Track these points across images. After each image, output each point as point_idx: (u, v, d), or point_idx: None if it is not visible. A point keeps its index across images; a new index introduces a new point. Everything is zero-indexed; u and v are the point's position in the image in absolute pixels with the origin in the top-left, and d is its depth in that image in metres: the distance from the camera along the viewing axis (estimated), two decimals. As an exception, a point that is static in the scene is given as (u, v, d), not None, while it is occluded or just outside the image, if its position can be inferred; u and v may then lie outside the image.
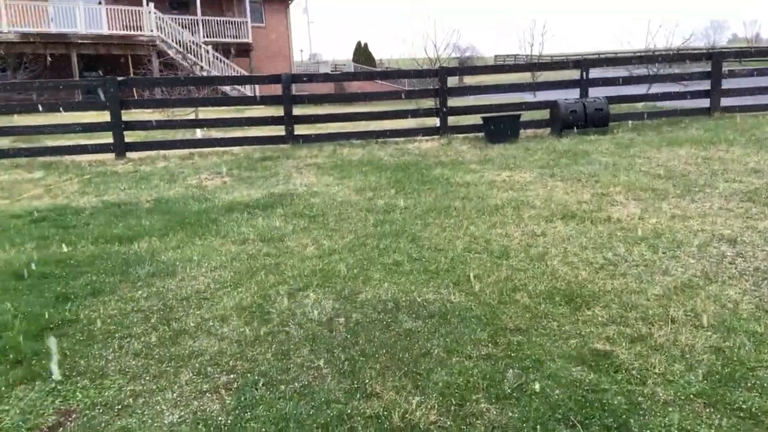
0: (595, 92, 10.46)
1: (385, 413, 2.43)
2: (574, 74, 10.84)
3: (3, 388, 2.70)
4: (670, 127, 9.78)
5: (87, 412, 2.53)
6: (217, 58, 24.12)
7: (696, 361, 2.77)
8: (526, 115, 10.19)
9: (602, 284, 3.65)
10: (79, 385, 2.74)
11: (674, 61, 14.70)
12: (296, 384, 2.68)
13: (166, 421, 2.46)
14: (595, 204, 5.47)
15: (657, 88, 12.62)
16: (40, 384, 2.74)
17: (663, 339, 2.97)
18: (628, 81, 11.75)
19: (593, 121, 9.65)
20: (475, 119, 10.04)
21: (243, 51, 26.41)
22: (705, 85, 10.87)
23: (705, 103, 10.76)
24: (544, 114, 10.49)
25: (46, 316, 3.43)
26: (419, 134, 10.32)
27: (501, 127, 9.47)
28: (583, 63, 10.60)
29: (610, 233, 4.61)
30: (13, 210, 6.24)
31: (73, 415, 2.52)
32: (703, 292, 3.49)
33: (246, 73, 25.08)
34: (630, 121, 10.43)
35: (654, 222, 4.86)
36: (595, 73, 10.70)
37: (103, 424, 2.45)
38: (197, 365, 2.88)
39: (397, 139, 10.22)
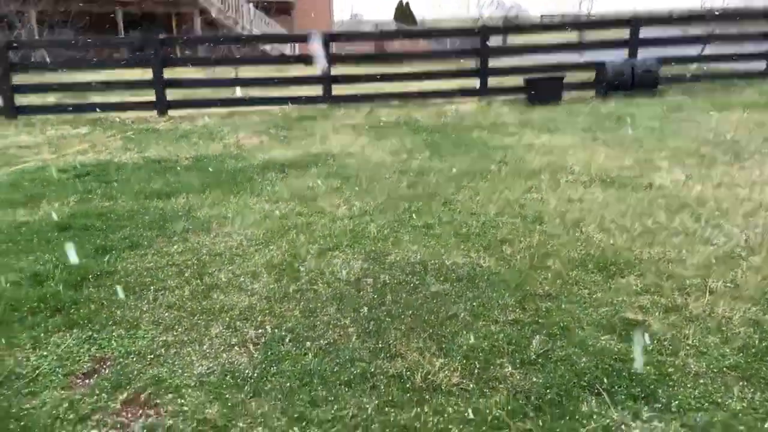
0: (645, 53, 10.01)
1: (408, 374, 2.44)
2: (623, 34, 10.37)
3: (42, 335, 2.83)
4: (723, 91, 9.32)
5: (121, 360, 2.63)
6: (257, 17, 24.03)
7: (732, 333, 2.68)
8: (570, 77, 9.86)
9: (639, 252, 3.54)
10: (114, 334, 2.84)
11: (731, 20, 13.89)
12: (322, 341, 2.72)
13: (195, 372, 2.53)
14: (637, 169, 5.29)
15: (711, 49, 11.98)
16: (77, 332, 2.85)
17: (699, 310, 2.88)
18: (680, 41, 11.18)
19: (641, 83, 9.27)
20: (517, 81, 9.77)
21: (284, 10, 26.24)
22: (763, 47, 10.27)
23: (762, 65, 10.19)
24: (590, 75, 10.12)
25: (86, 267, 3.55)
26: (458, 95, 10.12)
27: (543, 89, 9.19)
28: (633, 22, 10.13)
29: (651, 200, 4.46)
30: (60, 164, 6.43)
31: (108, 363, 2.62)
32: (745, 264, 3.35)
33: (286, 32, 24.94)
34: (681, 84, 9.97)
35: (699, 189, 4.67)
36: (646, 32, 10.20)
37: (135, 372, 2.54)
38: (227, 319, 2.94)
39: (435, 100, 10.05)
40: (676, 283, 3.16)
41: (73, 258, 3.66)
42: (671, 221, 4.02)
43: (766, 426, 2.11)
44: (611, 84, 9.25)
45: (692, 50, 11.23)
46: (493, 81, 10.17)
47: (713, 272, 3.26)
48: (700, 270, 3.30)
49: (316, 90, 10.01)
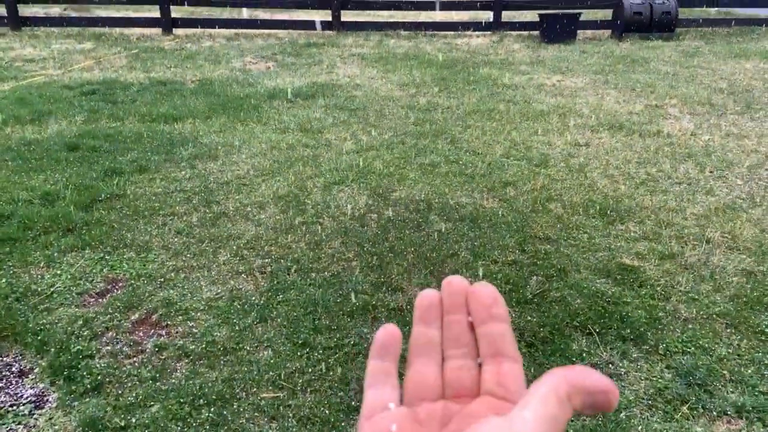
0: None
1: (408, 307, 2.54)
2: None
3: (55, 254, 2.91)
4: (742, 37, 9.08)
5: (132, 282, 2.73)
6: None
7: (725, 282, 2.76)
8: (587, 14, 9.57)
9: (640, 200, 3.59)
10: (125, 256, 2.93)
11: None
12: (326, 273, 2.81)
13: (204, 296, 2.63)
14: (646, 116, 5.25)
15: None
16: (89, 252, 2.94)
17: (694, 259, 2.96)
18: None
19: (659, 25, 9.01)
20: (532, 15, 9.50)
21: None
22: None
23: (787, 11, 9.87)
24: (607, 14, 9.83)
25: (96, 188, 3.60)
26: (470, 29, 9.86)
27: (558, 26, 8.94)
28: (656, -42, 9.71)
29: (658, 148, 4.46)
30: (65, 81, 6.37)
31: (120, 284, 2.72)
32: (745, 215, 3.40)
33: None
34: (699, 28, 9.70)
35: (706, 139, 4.66)
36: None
37: (146, 294, 2.64)
38: (234, 247, 3.02)
39: (446, 32, 9.80)
40: (674, 231, 3.22)
41: (83, 179, 3.71)
42: (675, 170, 4.04)
43: (749, 371, 2.22)
44: (628, 24, 8.99)
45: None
46: (507, 14, 9.88)
47: (712, 222, 3.31)
48: (700, 220, 3.35)
49: (325, 15, 9.74)
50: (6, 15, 9.07)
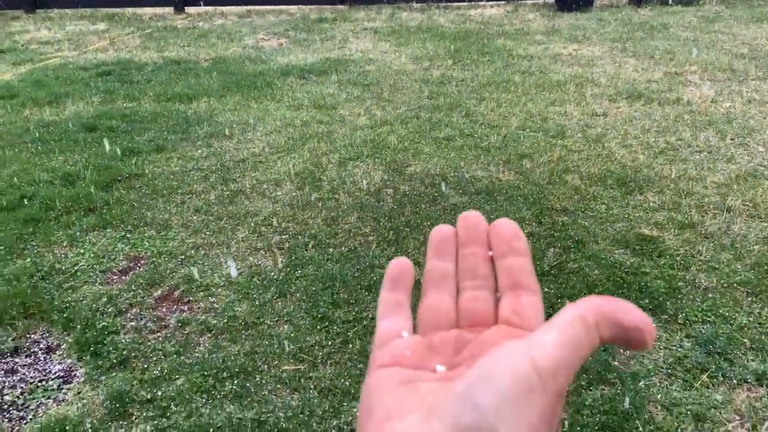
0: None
1: (426, 280, 2.55)
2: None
3: (78, 233, 2.97)
4: (764, 1, 8.82)
5: (153, 259, 2.77)
6: None
7: (746, 251, 2.73)
8: (603, -19, 9.33)
9: (659, 169, 3.54)
10: (146, 234, 2.97)
11: None
12: (343, 248, 2.83)
13: (224, 273, 2.67)
14: (665, 84, 5.15)
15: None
16: (110, 231, 2.99)
17: (715, 228, 2.92)
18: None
19: (678, -11, 8.76)
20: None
21: None
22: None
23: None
24: (625, -20, 9.57)
25: (115, 168, 3.65)
26: (484, -1, 9.67)
27: (574, -6, 8.74)
28: None
29: (677, 116, 4.38)
30: (80, 62, 6.40)
31: (142, 261, 2.77)
32: (767, 183, 3.35)
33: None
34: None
35: (727, 106, 4.57)
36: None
37: (168, 271, 2.68)
38: (252, 224, 3.05)
39: (460, 3, 9.63)
40: (694, 200, 3.18)
41: (102, 159, 3.75)
42: (695, 138, 3.98)
43: None
44: (647, -11, 8.76)
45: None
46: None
47: (733, 191, 3.27)
48: (721, 188, 3.31)
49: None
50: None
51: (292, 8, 9.64)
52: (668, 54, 6.07)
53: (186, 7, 9.46)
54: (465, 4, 9.61)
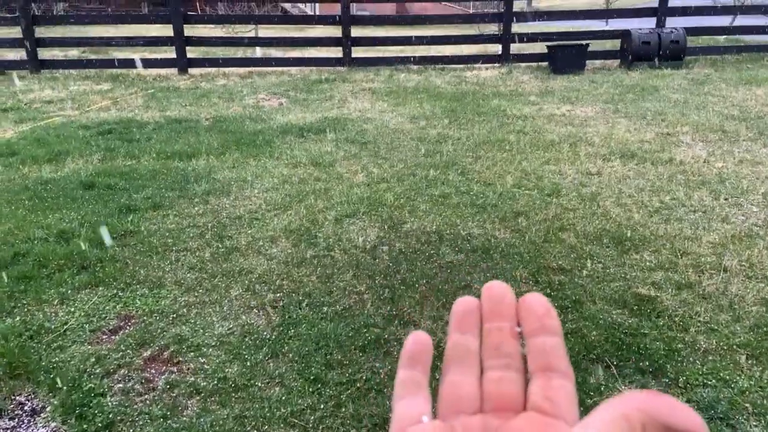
0: (672, 23, 9.75)
1: (421, 341, 2.51)
2: (651, 1, 10.09)
3: (69, 291, 2.93)
4: (752, 64, 9.09)
5: (145, 318, 2.73)
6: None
7: (744, 312, 2.70)
8: (595, 45, 9.66)
9: (655, 228, 3.55)
10: (138, 293, 2.94)
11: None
12: (338, 306, 2.79)
13: (216, 332, 2.63)
14: (658, 144, 5.23)
15: (742, 20, 11.62)
16: (103, 289, 2.96)
17: (712, 288, 2.90)
18: (710, 11, 10.86)
19: (667, 54, 9.06)
20: (540, 48, 9.60)
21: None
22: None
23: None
24: (615, 44, 9.91)
25: (110, 226, 3.64)
26: (479, 61, 9.98)
27: (567, 57, 9.02)
28: (662, -11, 9.83)
29: (671, 176, 4.43)
30: (82, 121, 6.51)
31: (132, 320, 2.72)
32: (762, 243, 3.35)
33: (307, -10, 24.50)
34: (708, 56, 9.73)
35: (720, 166, 4.63)
36: (674, 1, 9.91)
37: (159, 330, 2.64)
38: (246, 282, 3.03)
39: (456, 66, 9.92)
40: (690, 260, 3.17)
41: (98, 216, 3.75)
42: (689, 198, 4.01)
43: (770, 405, 2.15)
44: (636, 54, 9.05)
45: (722, 21, 10.90)
46: (515, 47, 10.00)
47: (729, 250, 3.26)
48: (717, 248, 3.30)
49: (336, 52, 9.92)
50: (26, 58, 9.36)
51: (293, 69, 9.91)
52: (660, 115, 6.20)
53: (189, 68, 9.72)
54: (461, 66, 9.90)
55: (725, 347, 2.47)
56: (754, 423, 2.08)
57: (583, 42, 9.24)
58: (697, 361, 2.39)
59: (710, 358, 2.41)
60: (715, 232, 3.50)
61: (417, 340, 0.32)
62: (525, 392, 0.30)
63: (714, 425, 2.07)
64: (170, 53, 9.70)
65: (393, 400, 0.31)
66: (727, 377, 2.30)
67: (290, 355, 2.46)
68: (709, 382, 2.27)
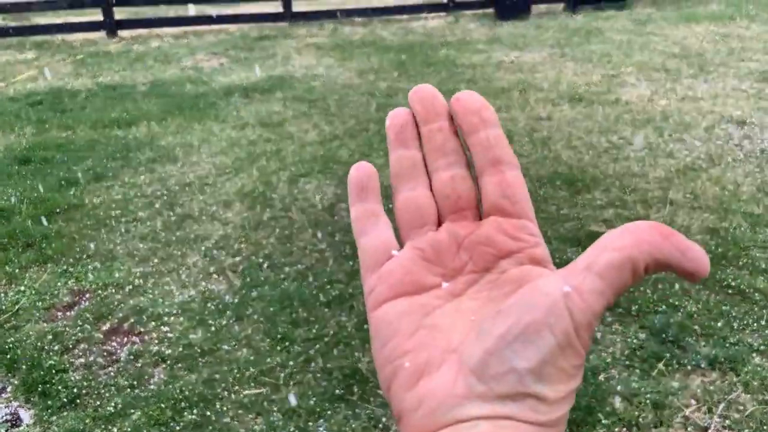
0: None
1: (385, 292, 2.53)
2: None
3: (17, 271, 2.81)
4: (691, 1, 9.27)
5: (99, 292, 2.65)
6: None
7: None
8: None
9: (604, 168, 3.64)
10: (89, 267, 2.84)
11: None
12: (299, 266, 2.77)
13: (176, 300, 2.58)
14: (604, 85, 5.32)
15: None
16: (51, 266, 2.85)
17: (659, 221, 2.99)
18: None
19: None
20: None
21: None
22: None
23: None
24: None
25: (52, 201, 3.49)
26: (425, 11, 9.82)
27: (511, 2, 8.98)
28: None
29: (618, 116, 4.52)
30: (9, 93, 6.13)
31: (87, 295, 2.64)
32: (705, 175, 3.49)
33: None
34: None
35: (663, 104, 4.75)
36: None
37: (116, 303, 2.57)
38: (203, 248, 2.96)
39: (401, 16, 9.75)
40: (638, 196, 3.28)
41: (38, 192, 3.58)
42: (636, 136, 4.11)
43: (719, 324, 2.28)
44: (579, -4, 9.08)
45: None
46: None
47: (675, 184, 3.39)
48: (662, 183, 3.42)
49: (276, 6, 9.58)
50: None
51: (231, 27, 9.53)
52: (605, 57, 6.29)
53: (119, 31, 9.21)
54: (407, 17, 9.73)
55: (674, 276, 2.58)
56: (703, 343, 2.20)
57: (526, -14, 9.19)
58: (648, 290, 2.50)
59: (660, 286, 2.52)
60: (660, 167, 3.62)
61: (361, 168, 0.30)
62: (477, 189, 0.29)
63: (667, 347, 2.18)
64: (97, 16, 9.16)
65: (355, 237, 0.30)
66: (677, 303, 2.41)
67: (255, 317, 2.45)
68: (660, 309, 2.38)
